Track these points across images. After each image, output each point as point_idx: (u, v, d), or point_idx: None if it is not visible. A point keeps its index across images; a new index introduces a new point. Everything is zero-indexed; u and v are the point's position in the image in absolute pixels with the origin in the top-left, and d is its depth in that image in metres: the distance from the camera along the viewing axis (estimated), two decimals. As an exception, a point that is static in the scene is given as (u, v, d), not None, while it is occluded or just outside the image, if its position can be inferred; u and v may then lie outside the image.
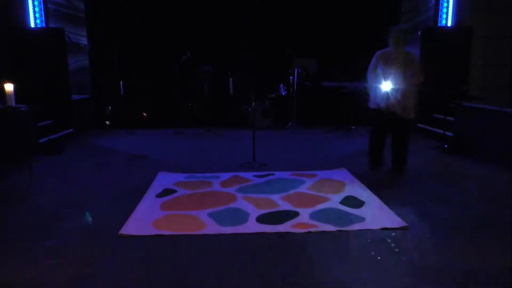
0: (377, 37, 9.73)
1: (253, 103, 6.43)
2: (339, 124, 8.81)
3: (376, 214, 3.87)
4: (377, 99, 5.19)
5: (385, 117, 5.18)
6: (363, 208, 4.06)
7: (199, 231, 3.52)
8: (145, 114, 9.60)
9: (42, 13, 7.90)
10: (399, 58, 5.12)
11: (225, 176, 5.22)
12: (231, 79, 7.31)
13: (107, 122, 9.24)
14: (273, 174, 5.29)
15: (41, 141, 6.64)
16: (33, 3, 7.73)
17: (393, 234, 3.44)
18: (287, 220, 3.72)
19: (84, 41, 9.11)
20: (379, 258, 3.02)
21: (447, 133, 6.87)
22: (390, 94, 5.13)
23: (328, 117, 9.23)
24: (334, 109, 9.21)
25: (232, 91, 7.12)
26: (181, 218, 3.83)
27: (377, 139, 5.38)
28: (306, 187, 4.74)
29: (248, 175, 5.27)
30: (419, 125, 8.25)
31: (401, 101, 5.12)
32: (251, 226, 3.61)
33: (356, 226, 3.59)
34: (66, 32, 7.83)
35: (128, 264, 2.96)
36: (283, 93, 9.03)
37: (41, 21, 7.89)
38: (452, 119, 7.00)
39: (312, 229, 3.52)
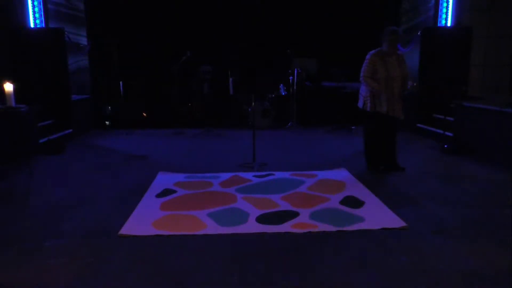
0: (377, 37, 9.76)
1: (253, 103, 6.43)
2: (339, 124, 8.81)
3: (376, 214, 3.87)
4: (376, 102, 5.15)
5: (384, 119, 5.19)
6: (363, 208, 4.06)
7: (199, 231, 3.51)
8: (145, 114, 9.60)
9: (42, 13, 7.89)
10: (394, 58, 5.16)
11: (225, 176, 5.21)
12: (231, 79, 7.31)
13: (107, 122, 9.24)
14: (273, 174, 5.29)
15: (41, 141, 6.63)
16: (33, 3, 7.72)
17: (393, 234, 3.44)
18: (287, 220, 3.72)
19: (84, 41, 9.10)
20: (379, 258, 3.02)
21: (447, 133, 6.87)
22: (393, 96, 5.13)
23: (328, 117, 9.22)
24: (334, 109, 9.21)
25: (232, 91, 7.11)
26: (181, 218, 3.83)
27: (376, 141, 5.35)
28: (306, 187, 4.73)
29: (248, 175, 5.26)
30: (419, 125, 8.25)
31: (398, 102, 5.19)
32: (251, 226, 3.61)
33: (356, 226, 3.59)
34: (66, 32, 7.83)
35: (128, 264, 2.96)
36: (283, 93, 9.04)
37: (41, 21, 7.88)
38: (452, 119, 7.00)
39: (312, 229, 3.52)
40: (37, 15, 7.81)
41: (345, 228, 3.55)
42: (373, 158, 5.42)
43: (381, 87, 5.09)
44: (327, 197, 4.37)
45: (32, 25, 7.75)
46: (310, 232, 3.48)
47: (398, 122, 5.35)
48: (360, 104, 5.34)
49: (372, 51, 5.21)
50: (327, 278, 2.75)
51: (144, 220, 3.75)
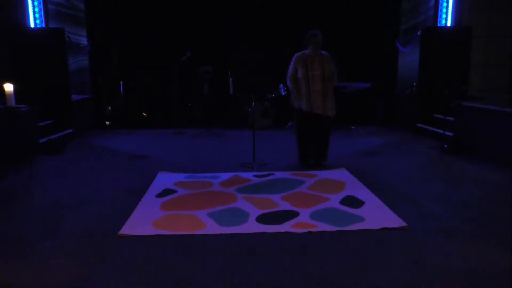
0: (376, 37, 9.76)
1: (253, 103, 6.43)
2: (339, 124, 8.80)
3: (376, 214, 3.87)
4: (300, 101, 5.52)
5: (308, 117, 5.51)
6: (363, 208, 4.06)
7: (199, 231, 3.51)
8: (145, 114, 9.60)
9: (42, 13, 7.89)
10: (317, 59, 5.44)
11: (225, 176, 5.22)
12: (231, 79, 7.31)
13: (107, 122, 9.24)
14: (273, 174, 5.29)
15: (41, 141, 6.63)
16: (33, 3, 7.72)
17: (393, 234, 3.44)
18: (287, 220, 3.72)
19: (84, 41, 9.10)
20: (379, 258, 3.02)
21: (447, 133, 6.87)
22: (313, 95, 5.43)
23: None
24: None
25: (232, 91, 7.12)
26: (181, 218, 3.83)
27: (303, 136, 5.67)
28: (306, 187, 4.74)
29: (248, 175, 5.26)
30: (419, 125, 8.26)
31: (323, 101, 5.44)
32: (251, 226, 3.61)
33: (356, 226, 3.59)
34: (66, 32, 7.83)
35: (128, 264, 2.96)
36: (283, 93, 9.03)
37: (41, 21, 7.88)
38: (452, 119, 7.00)
39: (312, 229, 3.52)
40: (37, 15, 7.80)
41: (345, 228, 3.55)
42: (301, 153, 5.74)
43: (301, 86, 5.46)
44: (327, 197, 4.37)
45: (32, 25, 7.74)
46: (310, 232, 3.48)
47: (328, 119, 5.56)
48: (293, 104, 5.72)
49: (297, 54, 5.55)
50: (327, 278, 2.75)
51: (144, 220, 3.75)
